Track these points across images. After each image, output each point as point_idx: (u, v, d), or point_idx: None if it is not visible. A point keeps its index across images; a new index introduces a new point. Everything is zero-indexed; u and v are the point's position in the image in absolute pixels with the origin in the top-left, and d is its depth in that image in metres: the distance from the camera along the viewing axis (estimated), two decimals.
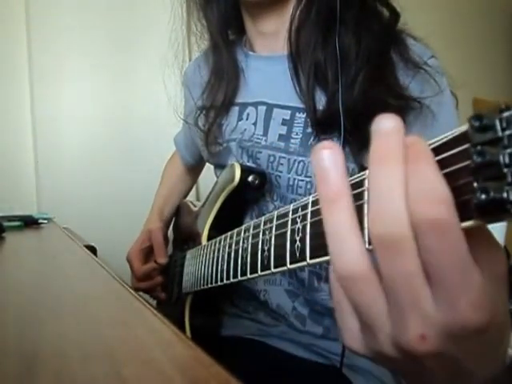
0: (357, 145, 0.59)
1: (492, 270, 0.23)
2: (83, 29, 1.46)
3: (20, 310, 0.40)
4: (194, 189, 1.08)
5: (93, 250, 0.86)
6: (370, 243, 0.24)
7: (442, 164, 0.22)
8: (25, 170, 1.42)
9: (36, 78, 1.42)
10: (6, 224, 0.82)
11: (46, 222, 0.96)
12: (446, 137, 0.22)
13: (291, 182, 0.64)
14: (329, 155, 0.24)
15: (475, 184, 0.20)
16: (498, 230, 0.66)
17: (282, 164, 0.65)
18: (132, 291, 0.46)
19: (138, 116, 1.54)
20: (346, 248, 0.24)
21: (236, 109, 0.72)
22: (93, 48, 1.48)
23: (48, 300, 0.44)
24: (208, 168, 0.93)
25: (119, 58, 1.51)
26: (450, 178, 0.21)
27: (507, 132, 0.19)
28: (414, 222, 0.21)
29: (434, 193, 0.20)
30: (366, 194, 0.26)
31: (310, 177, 0.63)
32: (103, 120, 1.51)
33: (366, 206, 0.26)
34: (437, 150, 0.22)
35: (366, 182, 0.26)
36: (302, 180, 0.64)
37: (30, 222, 0.93)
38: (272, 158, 0.66)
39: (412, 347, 0.23)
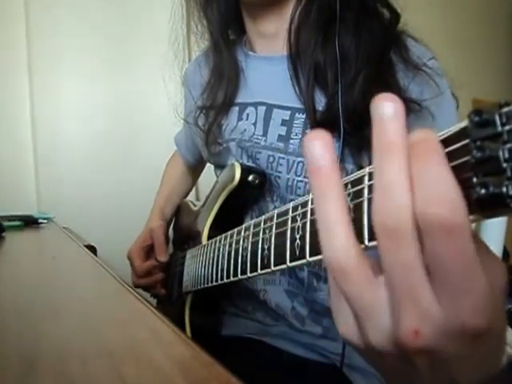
0: (356, 146, 0.59)
1: (492, 282, 0.23)
2: (83, 28, 1.46)
3: (20, 310, 0.40)
4: (193, 189, 1.08)
5: (93, 249, 0.86)
6: (370, 239, 0.25)
7: None
8: (25, 170, 1.42)
9: (36, 78, 1.42)
10: (5, 224, 0.82)
11: (45, 221, 0.96)
12: (445, 133, 0.22)
13: (290, 183, 0.64)
14: (319, 144, 0.23)
15: (475, 179, 0.20)
16: (497, 229, 0.66)
17: (281, 165, 0.65)
18: (132, 291, 0.46)
19: (138, 116, 1.54)
20: (334, 239, 0.23)
21: (236, 109, 0.72)
22: (92, 48, 1.47)
23: (48, 300, 0.44)
24: (208, 168, 0.93)
25: (119, 58, 1.51)
26: None
27: (507, 127, 0.19)
28: (422, 222, 0.21)
29: (444, 195, 0.20)
30: (365, 191, 0.26)
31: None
32: (103, 120, 1.51)
33: (365, 204, 0.26)
34: None
35: (366, 179, 0.26)
36: (301, 181, 0.63)
37: (29, 222, 0.93)
38: (271, 159, 0.66)
39: (405, 341, 0.23)
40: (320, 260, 0.29)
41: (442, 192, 0.20)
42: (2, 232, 0.79)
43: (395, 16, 0.61)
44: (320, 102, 0.61)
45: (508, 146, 0.19)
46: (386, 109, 0.22)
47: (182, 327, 0.71)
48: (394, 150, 0.22)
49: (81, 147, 1.48)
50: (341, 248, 0.23)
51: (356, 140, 0.58)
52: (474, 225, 0.68)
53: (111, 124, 1.51)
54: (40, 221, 0.95)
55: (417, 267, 0.22)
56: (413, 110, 0.57)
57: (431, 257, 0.21)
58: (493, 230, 0.67)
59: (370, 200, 0.25)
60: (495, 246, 0.67)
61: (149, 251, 0.85)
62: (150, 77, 1.45)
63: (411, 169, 0.21)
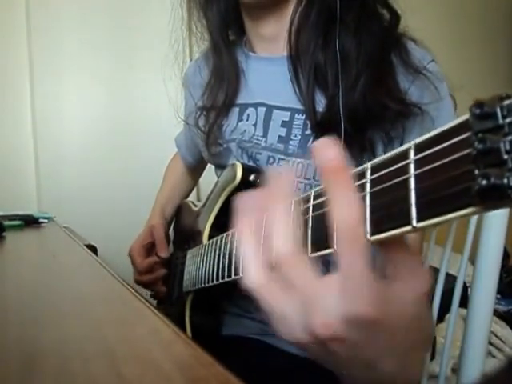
0: (357, 147, 0.59)
1: (413, 288, 0.29)
2: (84, 29, 1.46)
3: (20, 310, 0.40)
4: (194, 189, 1.08)
5: (93, 249, 0.87)
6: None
7: (443, 153, 0.22)
8: (25, 170, 1.42)
9: (36, 78, 1.42)
10: (6, 223, 0.82)
11: (46, 221, 0.96)
12: (447, 126, 0.22)
13: None
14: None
15: (476, 171, 0.20)
16: (497, 230, 0.66)
17: (281, 166, 0.65)
18: (132, 290, 0.46)
19: (138, 116, 1.54)
20: (249, 267, 0.32)
21: (236, 109, 0.72)
22: (93, 48, 1.48)
23: (48, 299, 0.44)
24: (208, 169, 0.93)
25: (120, 59, 1.52)
26: (451, 166, 0.21)
27: (508, 119, 0.19)
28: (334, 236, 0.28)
29: (351, 216, 0.26)
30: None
31: (309, 179, 0.63)
32: (104, 120, 1.51)
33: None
34: (439, 139, 0.22)
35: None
36: (301, 182, 0.64)
37: (30, 222, 0.93)
38: (271, 160, 0.66)
39: (318, 332, 0.28)
40: (322, 256, 0.31)
41: (350, 220, 0.26)
42: (3, 232, 0.79)
43: (395, 17, 0.61)
44: (320, 103, 0.61)
45: (509, 138, 0.19)
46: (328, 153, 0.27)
47: (183, 327, 0.71)
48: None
49: (81, 147, 1.48)
50: (252, 275, 0.31)
51: (357, 141, 0.58)
52: (475, 222, 0.67)
53: (112, 124, 1.52)
54: (40, 220, 0.95)
55: (311, 277, 0.29)
56: (413, 113, 0.57)
57: (340, 264, 0.27)
58: (493, 232, 0.66)
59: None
60: (495, 247, 0.67)
61: (150, 249, 0.85)
62: (150, 78, 1.45)
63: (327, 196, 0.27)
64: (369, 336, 0.28)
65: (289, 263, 0.29)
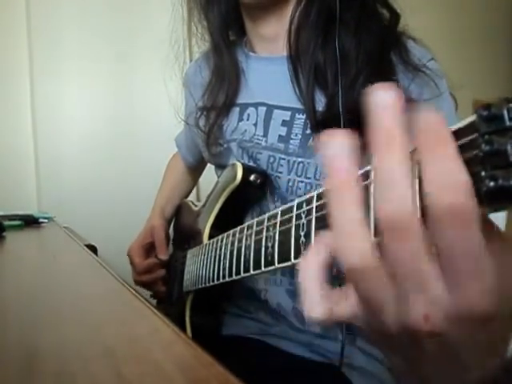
0: (358, 146, 0.59)
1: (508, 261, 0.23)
2: (84, 30, 1.46)
3: (20, 310, 0.40)
4: (194, 189, 1.08)
5: (93, 249, 0.86)
6: (375, 235, 0.25)
7: None
8: (25, 170, 1.42)
9: (36, 78, 1.42)
10: (6, 223, 0.82)
11: (46, 221, 0.96)
12: (454, 127, 0.22)
13: (291, 184, 0.64)
14: (336, 144, 0.23)
15: (483, 173, 0.20)
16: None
17: (281, 165, 0.65)
18: (132, 290, 0.46)
19: (138, 116, 1.54)
20: (355, 242, 0.23)
21: (236, 109, 0.72)
22: (94, 48, 1.48)
23: (48, 299, 0.44)
24: (208, 168, 0.93)
25: (120, 59, 1.51)
26: None
27: None
28: (434, 211, 0.21)
29: (457, 184, 0.20)
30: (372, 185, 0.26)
31: (310, 178, 0.63)
32: (104, 120, 1.51)
33: (372, 197, 0.25)
34: None
35: (373, 173, 0.26)
36: (302, 181, 0.64)
37: (30, 222, 0.93)
38: (272, 159, 0.66)
39: (416, 326, 0.23)
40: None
41: (454, 181, 0.20)
42: (3, 232, 0.79)
43: (395, 16, 0.62)
44: (320, 102, 0.62)
45: None
46: (381, 97, 0.22)
47: (183, 327, 0.71)
48: (392, 140, 0.22)
49: (81, 147, 1.48)
50: (361, 252, 0.23)
51: (357, 140, 0.58)
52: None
53: (112, 124, 1.52)
54: (40, 220, 0.95)
55: (423, 255, 0.22)
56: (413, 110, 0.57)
57: (441, 244, 0.21)
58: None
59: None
60: None
61: (149, 249, 0.85)
62: (150, 78, 1.45)
63: (420, 157, 0.21)
64: (478, 333, 0.23)
65: (404, 232, 0.22)
